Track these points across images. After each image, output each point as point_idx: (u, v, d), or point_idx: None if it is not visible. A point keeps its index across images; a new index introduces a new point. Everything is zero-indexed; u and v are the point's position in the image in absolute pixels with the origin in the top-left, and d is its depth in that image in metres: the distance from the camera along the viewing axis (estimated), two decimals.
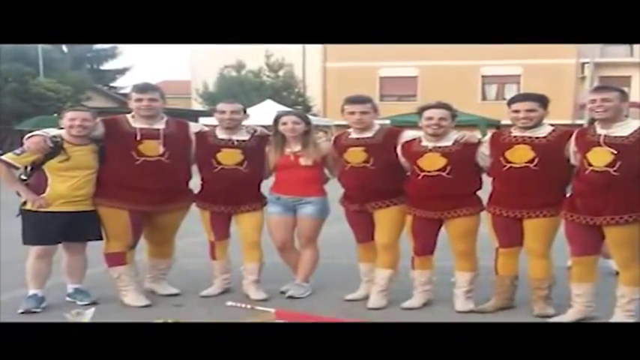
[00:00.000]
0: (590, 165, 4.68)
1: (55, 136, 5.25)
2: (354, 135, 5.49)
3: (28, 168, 5.27)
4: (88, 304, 5.28)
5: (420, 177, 5.19)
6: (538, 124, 5.00)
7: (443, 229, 5.32)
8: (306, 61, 35.60)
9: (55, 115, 20.39)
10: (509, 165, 5.00)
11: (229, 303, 5.41)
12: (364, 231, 5.56)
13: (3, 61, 27.07)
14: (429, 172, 5.15)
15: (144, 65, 73.65)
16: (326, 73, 35.61)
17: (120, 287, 5.51)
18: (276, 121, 5.59)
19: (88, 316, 4.58)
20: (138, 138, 5.35)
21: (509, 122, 5.16)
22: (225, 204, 5.59)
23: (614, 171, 4.59)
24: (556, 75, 31.42)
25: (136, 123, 5.41)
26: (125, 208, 5.37)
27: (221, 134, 5.59)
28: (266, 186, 5.76)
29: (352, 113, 5.41)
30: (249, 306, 5.31)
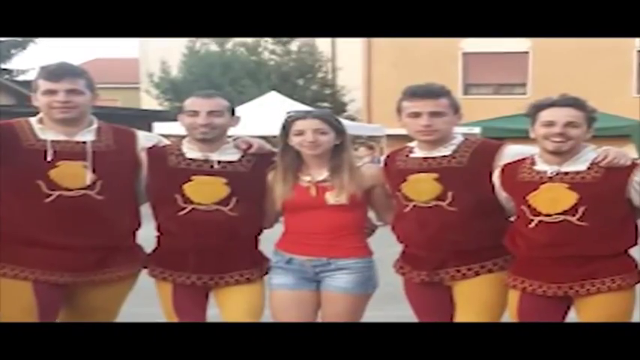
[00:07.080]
0: None
1: None
2: (419, 152, 5.55)
3: None
4: None
5: (533, 224, 5.22)
6: None
7: (572, 312, 5.34)
8: None
9: None
10: None
11: None
12: (436, 316, 5.59)
13: None
14: (548, 215, 5.18)
15: None
16: (371, 47, 35.57)
17: None
18: (287, 128, 5.64)
19: None
20: (49, 158, 5.42)
21: None
22: (198, 271, 5.62)
23: None
24: None
25: (47, 132, 5.49)
26: (28, 277, 5.43)
27: (192, 152, 5.66)
28: (268, 239, 5.80)
29: (416, 115, 5.45)
30: None
